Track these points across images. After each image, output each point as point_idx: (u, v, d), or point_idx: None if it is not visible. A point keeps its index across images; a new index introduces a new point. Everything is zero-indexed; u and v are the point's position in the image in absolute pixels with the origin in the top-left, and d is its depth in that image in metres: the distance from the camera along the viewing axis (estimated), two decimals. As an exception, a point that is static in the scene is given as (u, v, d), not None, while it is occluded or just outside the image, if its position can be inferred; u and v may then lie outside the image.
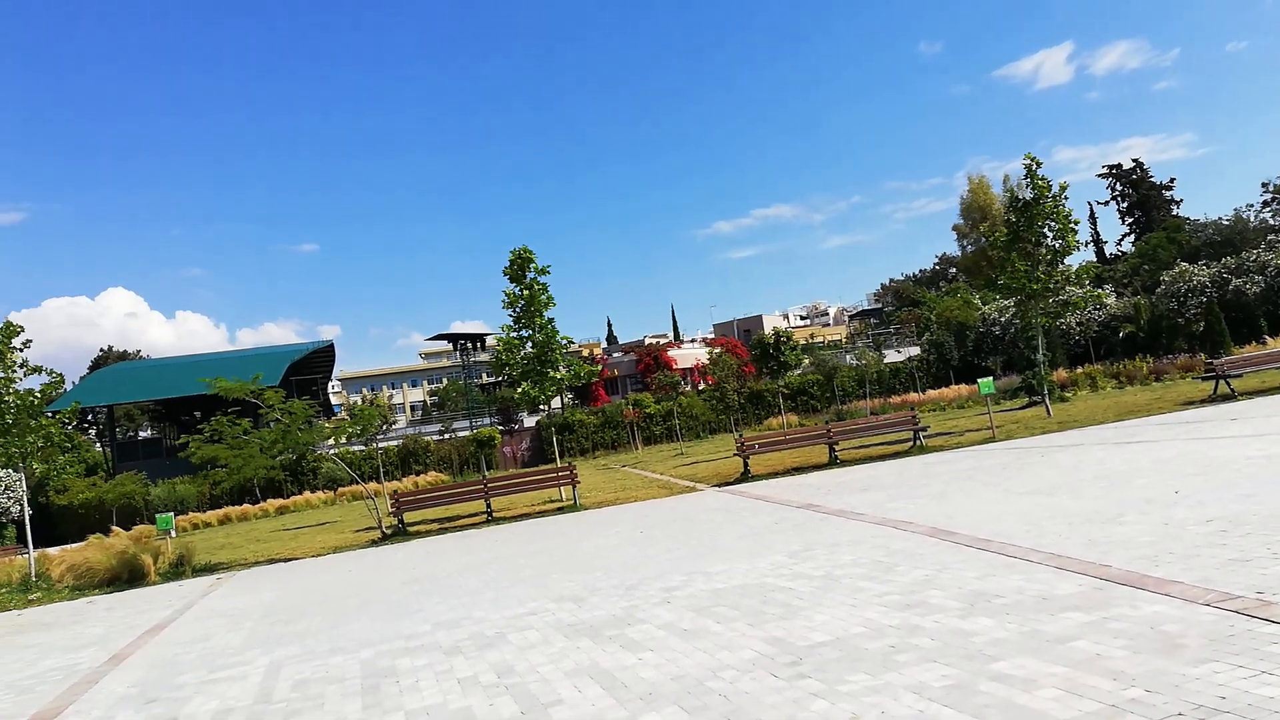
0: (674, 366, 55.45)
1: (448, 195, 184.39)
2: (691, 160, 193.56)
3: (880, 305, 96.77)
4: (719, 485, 18.52)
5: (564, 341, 21.38)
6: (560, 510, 18.35)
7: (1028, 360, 30.38)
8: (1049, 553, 7.41)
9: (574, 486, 18.92)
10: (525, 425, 46.51)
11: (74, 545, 24.83)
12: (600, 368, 32.24)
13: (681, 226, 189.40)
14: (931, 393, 38.93)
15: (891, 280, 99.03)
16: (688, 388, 50.86)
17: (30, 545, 19.78)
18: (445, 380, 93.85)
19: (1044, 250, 23.45)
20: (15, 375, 18.94)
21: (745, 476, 18.67)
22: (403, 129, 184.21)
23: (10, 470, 33.71)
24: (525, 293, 20.82)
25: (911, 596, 6.72)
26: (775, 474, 18.61)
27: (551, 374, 20.89)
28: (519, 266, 20.92)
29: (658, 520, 14.36)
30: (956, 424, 24.88)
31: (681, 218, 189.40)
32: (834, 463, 18.81)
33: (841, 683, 4.99)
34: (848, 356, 47.71)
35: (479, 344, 59.90)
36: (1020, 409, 27.59)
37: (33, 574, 18.40)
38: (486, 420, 50.33)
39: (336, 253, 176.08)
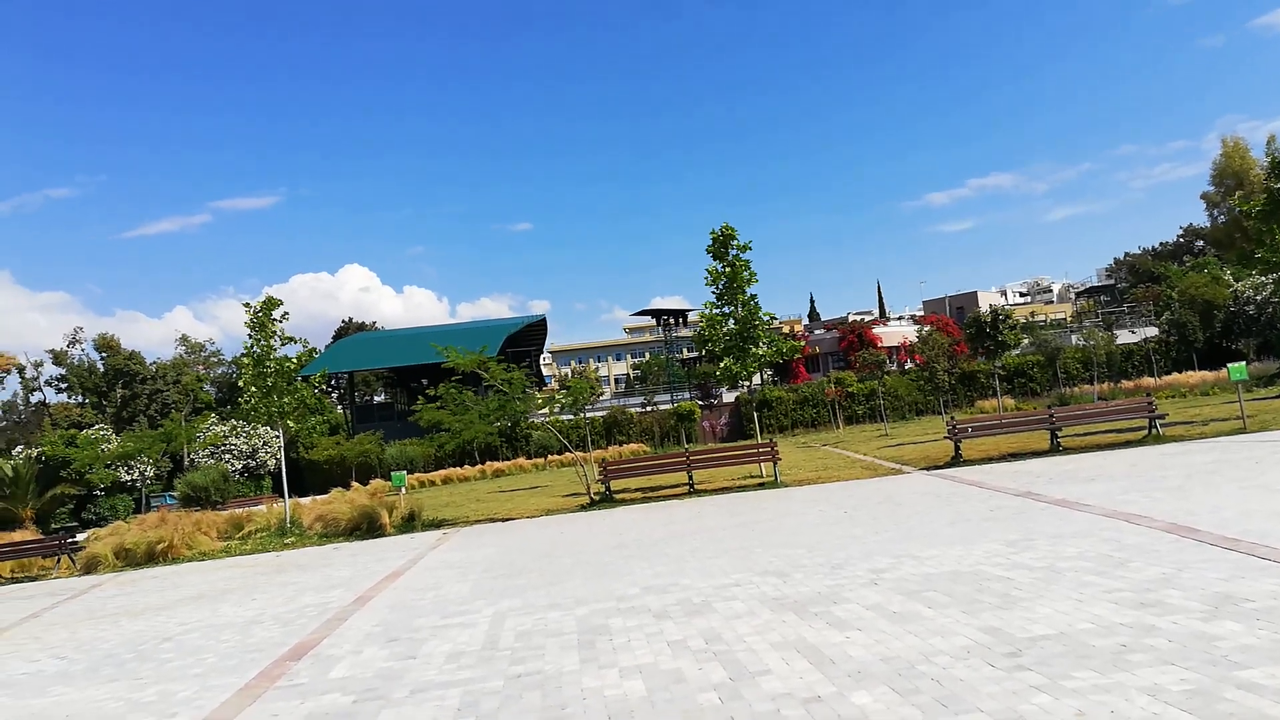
0: (879, 344, 53.67)
1: (652, 179, 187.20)
2: (903, 128, 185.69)
3: (1112, 281, 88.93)
4: (927, 469, 17.90)
5: (766, 318, 21.29)
6: (761, 486, 18.42)
7: (1290, 344, 27.14)
8: (1313, 558, 6.67)
9: (775, 463, 18.92)
10: (724, 401, 46.79)
11: (321, 497, 27.73)
12: (802, 344, 31.74)
13: (890, 198, 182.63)
14: (1170, 378, 35.47)
15: (1126, 254, 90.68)
16: (893, 367, 49.21)
17: (286, 495, 22.24)
18: (647, 354, 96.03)
19: (1314, 220, 20.73)
20: (274, 344, 21.27)
21: (956, 460, 17.92)
22: (613, 128, 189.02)
23: (269, 428, 38.00)
24: (727, 269, 20.86)
25: (1146, 595, 6.27)
26: (989, 459, 17.73)
27: (753, 350, 20.87)
28: (721, 244, 20.97)
29: (862, 500, 14.12)
30: (1199, 412, 22.59)
31: (891, 189, 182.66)
32: (1056, 450, 17.66)
33: (1066, 678, 4.78)
34: (1073, 336, 44.35)
35: (680, 319, 60.71)
36: (1278, 398, 24.63)
37: (288, 521, 20.70)
38: (686, 395, 51.11)
39: (548, 231, 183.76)
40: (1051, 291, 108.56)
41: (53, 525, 37.50)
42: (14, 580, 19.56)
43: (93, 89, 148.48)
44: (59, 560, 19.65)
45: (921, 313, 79.59)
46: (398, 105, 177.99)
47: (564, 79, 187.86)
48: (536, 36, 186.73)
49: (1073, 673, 4.85)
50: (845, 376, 43.90)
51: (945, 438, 19.64)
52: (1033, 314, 72.38)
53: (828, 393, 41.10)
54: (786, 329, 72.49)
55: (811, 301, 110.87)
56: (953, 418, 20.97)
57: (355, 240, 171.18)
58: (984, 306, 42.64)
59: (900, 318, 79.03)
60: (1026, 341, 39.06)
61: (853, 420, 41.65)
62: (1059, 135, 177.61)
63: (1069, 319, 69.19)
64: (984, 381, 40.76)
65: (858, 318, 79.04)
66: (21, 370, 77.17)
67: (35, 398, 77.90)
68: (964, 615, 6.33)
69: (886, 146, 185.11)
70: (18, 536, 25.00)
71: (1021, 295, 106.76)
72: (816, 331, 69.15)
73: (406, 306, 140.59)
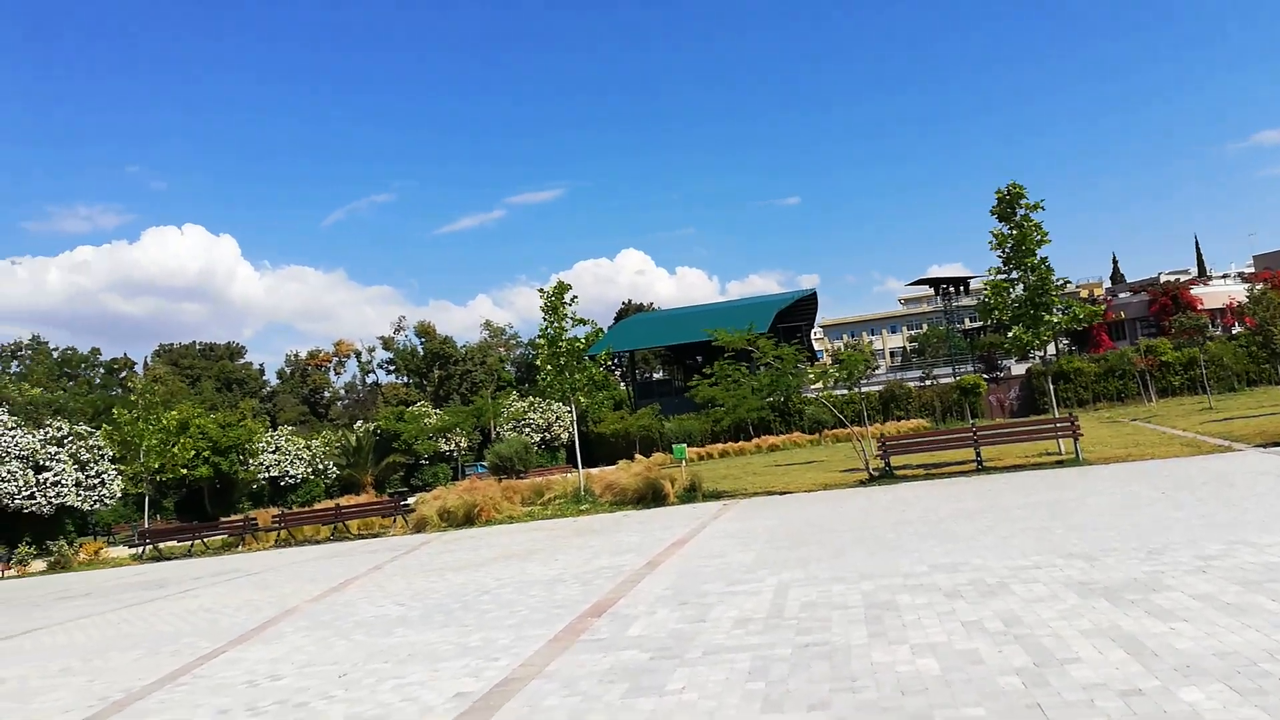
0: (1199, 307, 47.68)
1: (928, 147, 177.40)
2: (1224, 55, 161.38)
3: None
4: (1264, 445, 15.67)
5: (1059, 282, 19.64)
6: (1058, 464, 17.07)
7: None
8: None
9: (1075, 439, 17.45)
10: (1012, 373, 43.72)
11: (608, 468, 29.43)
12: (1103, 309, 28.88)
13: (1209, 141, 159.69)
14: None
15: None
16: (1217, 332, 43.40)
17: (579, 465, 23.88)
18: (925, 326, 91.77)
19: None
20: (566, 326, 22.85)
21: (1303, 437, 15.53)
22: (884, 98, 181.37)
23: (562, 403, 40.92)
24: (1014, 231, 19.49)
25: None
26: (1348, 435, 15.19)
27: (1046, 317, 19.34)
28: (1007, 204, 19.60)
29: (1182, 480, 12.67)
30: None
31: (1209, 130, 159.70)
32: None
33: None
34: None
35: (961, 287, 57.46)
36: None
37: (582, 489, 22.22)
38: (969, 367, 48.34)
39: (816, 204, 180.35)
40: None
41: (388, 490, 43.08)
42: (360, 537, 22.72)
43: (397, 110, 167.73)
44: (395, 520, 22.55)
45: (1252, 269, 69.34)
46: (663, 112, 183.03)
47: (828, 54, 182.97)
48: (809, 22, 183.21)
49: None
50: (1158, 344, 39.45)
51: (1288, 411, 17.07)
52: (1406, 264, 60.64)
53: (1136, 362, 37.22)
54: (1084, 293, 66.16)
55: (1114, 262, 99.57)
56: (1298, 388, 18.16)
57: (631, 226, 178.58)
58: (1338, 258, 36.31)
59: (1225, 276, 69.27)
60: (1397, 297, 32.76)
61: (1167, 393, 37.36)
62: None
63: None
64: (1338, 346, 34.82)
65: (1171, 278, 70.28)
66: (359, 355, 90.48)
67: (370, 379, 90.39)
68: (1320, 612, 5.53)
69: (1203, 82, 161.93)
70: (363, 499, 29.04)
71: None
72: (1121, 295, 62.48)
73: (679, 286, 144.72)
